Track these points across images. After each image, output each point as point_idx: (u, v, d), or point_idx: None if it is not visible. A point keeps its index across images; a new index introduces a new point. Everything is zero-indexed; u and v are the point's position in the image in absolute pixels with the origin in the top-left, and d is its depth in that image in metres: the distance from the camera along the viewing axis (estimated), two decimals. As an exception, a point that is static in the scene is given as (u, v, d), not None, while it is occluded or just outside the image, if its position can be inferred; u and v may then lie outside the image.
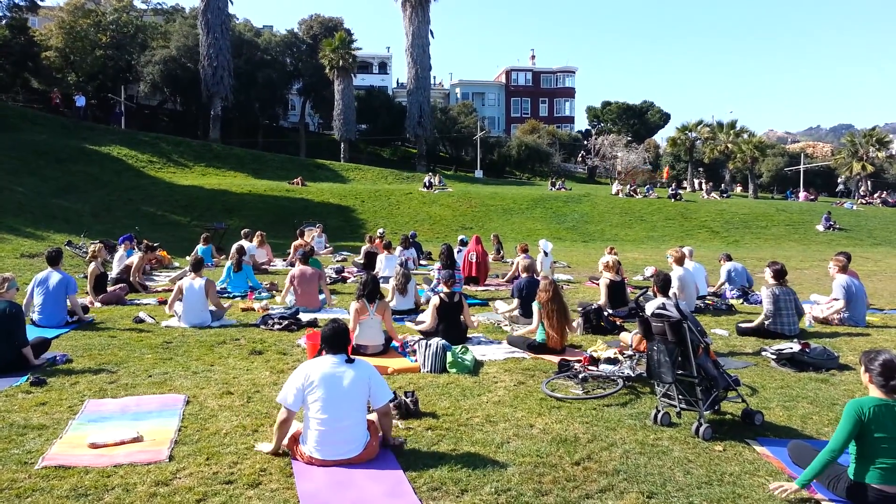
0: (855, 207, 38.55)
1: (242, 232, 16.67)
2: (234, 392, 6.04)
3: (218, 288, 11.15)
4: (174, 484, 4.11)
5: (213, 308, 9.37)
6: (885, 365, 3.99)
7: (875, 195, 44.47)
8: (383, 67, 72.75)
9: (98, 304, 10.62)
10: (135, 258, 12.58)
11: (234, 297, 11.60)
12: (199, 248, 15.69)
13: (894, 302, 11.95)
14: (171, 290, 9.81)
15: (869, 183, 48.42)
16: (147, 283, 12.93)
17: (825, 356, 7.13)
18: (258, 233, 16.66)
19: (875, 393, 4.01)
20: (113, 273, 12.62)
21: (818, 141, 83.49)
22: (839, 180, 48.51)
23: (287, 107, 58.21)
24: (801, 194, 45.33)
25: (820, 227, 31.59)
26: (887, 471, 3.87)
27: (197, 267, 9.57)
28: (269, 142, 49.59)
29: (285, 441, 4.58)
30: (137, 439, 4.80)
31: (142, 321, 9.38)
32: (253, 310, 10.35)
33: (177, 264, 16.36)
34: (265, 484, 4.13)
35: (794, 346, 7.18)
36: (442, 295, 8.37)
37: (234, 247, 13.40)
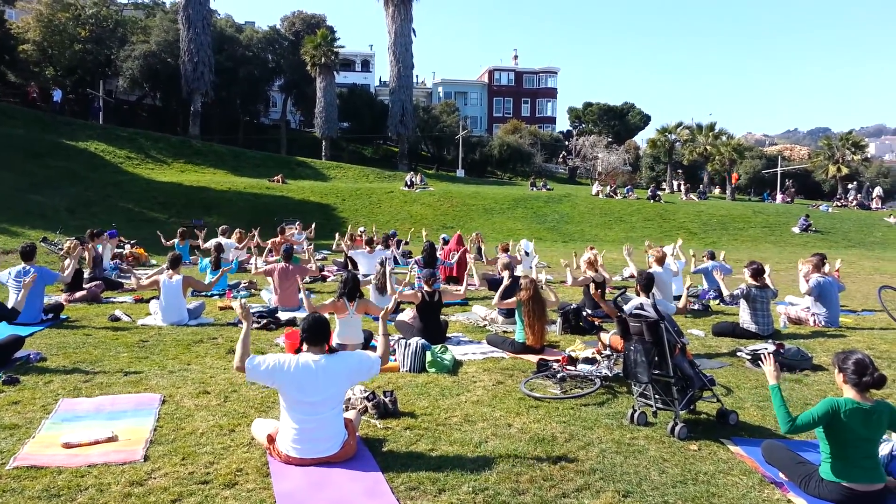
0: (830, 210, 39.12)
1: (220, 229, 16.54)
2: (210, 391, 5.99)
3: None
4: (149, 484, 4.07)
5: (191, 306, 9.29)
6: (857, 364, 4.07)
7: (850, 198, 45.14)
8: (366, 65, 72.53)
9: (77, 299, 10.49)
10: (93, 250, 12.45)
11: (212, 295, 11.50)
12: (176, 244, 15.55)
13: (867, 303, 12.14)
14: (147, 286, 9.71)
15: (862, 186, 49.08)
16: (123, 281, 12.78)
17: (799, 357, 7.24)
18: (237, 230, 16.53)
19: (849, 393, 4.09)
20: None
21: (795, 144, 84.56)
22: (850, 185, 49.16)
23: (268, 104, 57.83)
24: (778, 196, 45.91)
25: (796, 230, 32.01)
26: (860, 470, 3.95)
27: (174, 264, 9.48)
28: (250, 139, 49.27)
29: (255, 434, 4.59)
30: (112, 439, 4.75)
31: (117, 319, 9.28)
32: (231, 308, 10.27)
33: (154, 262, 16.19)
34: (241, 484, 4.11)
35: (769, 347, 7.27)
36: (423, 293, 8.36)
37: (213, 244, 13.29)
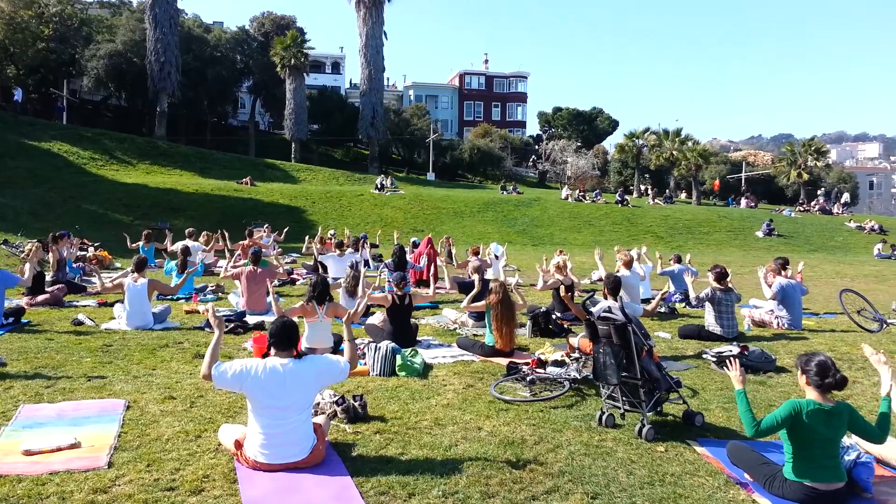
0: (793, 214, 39.99)
1: (187, 231, 16.31)
2: (176, 397, 5.90)
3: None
4: (113, 491, 3.99)
5: (156, 310, 9.14)
6: (819, 365, 4.16)
7: (812, 203, 46.21)
8: (336, 67, 72.24)
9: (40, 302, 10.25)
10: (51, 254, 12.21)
11: (178, 299, 11.33)
12: (141, 247, 15.30)
13: (829, 306, 12.43)
14: (112, 288, 9.53)
15: (830, 192, 50.20)
16: (86, 284, 12.53)
17: (763, 359, 7.38)
18: (204, 233, 16.32)
19: (811, 394, 4.17)
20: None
21: (759, 149, 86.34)
22: (819, 192, 50.28)
23: (237, 105, 57.33)
24: (743, 201, 46.80)
25: (760, 234, 32.66)
26: (822, 470, 4.03)
27: (140, 267, 9.32)
28: (218, 140, 48.73)
29: (222, 440, 4.53)
30: (75, 446, 4.64)
31: (81, 323, 9.09)
32: (197, 312, 10.13)
33: (118, 265, 15.91)
34: (208, 490, 4.05)
35: (734, 349, 7.41)
36: (393, 296, 8.34)
37: (179, 246, 13.10)
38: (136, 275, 9.17)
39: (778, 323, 9.93)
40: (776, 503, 4.03)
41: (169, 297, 11.23)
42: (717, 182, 51.30)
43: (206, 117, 51.42)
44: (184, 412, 5.49)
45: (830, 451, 4.08)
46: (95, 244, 17.81)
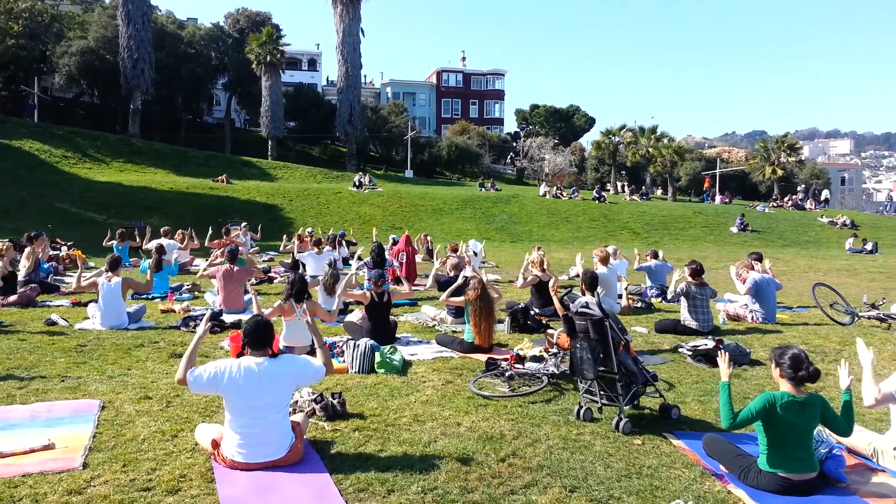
0: (767, 210, 40.55)
1: (162, 230, 16.12)
2: (152, 397, 5.83)
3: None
4: (88, 492, 3.94)
5: (130, 309, 9.02)
6: (793, 358, 4.23)
7: (786, 198, 46.89)
8: (313, 64, 71.78)
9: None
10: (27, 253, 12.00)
11: (153, 298, 11.20)
12: (115, 246, 15.11)
13: (802, 300, 12.62)
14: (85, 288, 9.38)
15: (808, 189, 50.96)
16: (60, 284, 12.33)
17: (738, 352, 7.48)
18: (179, 231, 16.15)
19: (785, 387, 4.24)
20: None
21: (733, 146, 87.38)
22: (799, 188, 51.01)
23: (212, 102, 56.73)
24: (717, 197, 47.33)
25: (734, 229, 33.08)
26: (796, 461, 4.10)
27: (114, 266, 9.19)
28: (193, 138, 48.19)
29: (199, 439, 4.52)
30: (49, 447, 4.57)
31: (54, 323, 8.95)
32: (173, 311, 10.03)
33: (92, 264, 15.67)
34: (185, 490, 4.01)
35: (709, 343, 7.50)
36: (372, 294, 8.32)
37: (154, 245, 12.94)
38: (109, 274, 9.04)
39: (752, 317, 10.06)
40: (751, 494, 4.09)
41: (144, 296, 11.10)
42: (707, 179, 51.79)
43: (181, 115, 50.84)
44: (160, 412, 5.44)
45: (804, 443, 4.15)
46: (68, 243, 17.53)
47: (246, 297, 10.52)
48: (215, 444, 4.41)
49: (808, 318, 10.67)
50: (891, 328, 9.59)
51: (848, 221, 35.91)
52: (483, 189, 40.18)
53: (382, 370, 6.85)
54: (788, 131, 59.01)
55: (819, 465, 4.22)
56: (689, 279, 9.25)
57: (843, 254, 28.30)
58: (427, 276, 15.06)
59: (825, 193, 50.33)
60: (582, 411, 5.44)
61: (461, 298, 8.16)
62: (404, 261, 14.20)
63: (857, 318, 10.06)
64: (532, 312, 9.67)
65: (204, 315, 9.00)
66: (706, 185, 51.43)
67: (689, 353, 7.54)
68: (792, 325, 9.96)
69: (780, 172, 50.39)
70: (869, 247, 28.88)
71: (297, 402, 5.34)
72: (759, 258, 10.94)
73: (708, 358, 7.34)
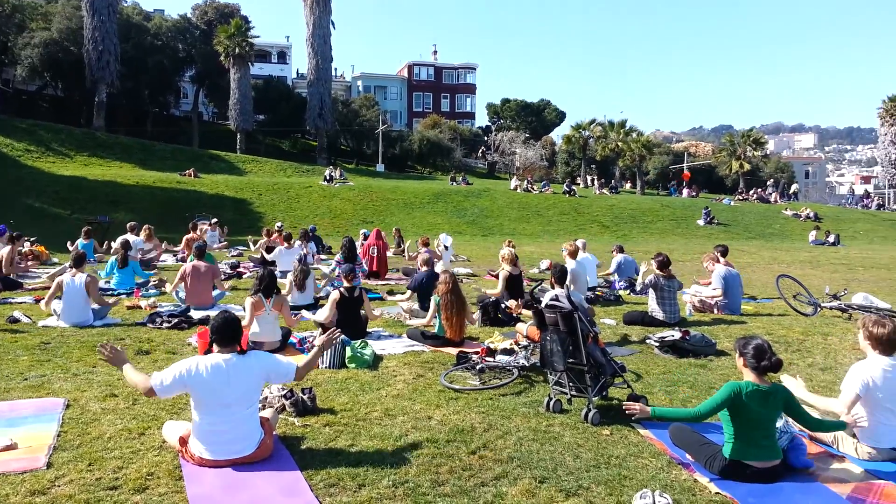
0: (732, 203, 41.25)
1: (128, 225, 15.84)
2: (118, 394, 5.74)
3: (101, 285, 10.57)
4: (52, 492, 3.87)
5: (95, 306, 8.86)
6: (756, 349, 4.32)
7: (751, 192, 47.75)
8: (282, 57, 71.10)
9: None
10: (4, 251, 11.71)
11: (119, 294, 11.02)
12: (80, 242, 14.82)
13: (766, 291, 12.87)
14: (49, 288, 9.19)
15: (778, 183, 51.91)
16: (23, 280, 12.07)
17: (704, 343, 7.61)
18: (146, 226, 15.88)
19: (749, 376, 4.33)
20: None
21: (701, 140, 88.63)
22: (769, 182, 51.92)
23: (179, 94, 55.92)
24: (685, 191, 48.02)
25: (701, 222, 33.61)
26: (759, 449, 4.19)
27: (78, 262, 9.01)
28: (159, 131, 47.46)
29: (167, 437, 4.48)
30: (11, 447, 4.48)
31: (17, 321, 8.74)
32: (139, 308, 9.87)
33: (55, 260, 15.36)
34: (153, 488, 3.96)
35: (676, 334, 7.61)
36: (342, 289, 8.29)
37: (119, 241, 12.72)
38: (74, 270, 8.87)
39: (718, 308, 10.23)
40: (716, 481, 4.17)
41: (109, 292, 10.92)
42: (686, 173, 52.43)
43: (147, 107, 50.03)
44: (126, 409, 5.36)
45: (767, 431, 4.24)
46: (31, 239, 17.14)
47: (214, 294, 10.41)
48: (183, 442, 4.36)
49: (772, 308, 10.88)
50: (852, 318, 9.82)
51: (811, 214, 36.70)
52: (454, 183, 40.22)
53: (353, 365, 6.84)
54: (754, 126, 60.36)
55: (782, 453, 4.31)
56: (657, 271, 9.37)
57: (806, 246, 28.94)
58: (398, 271, 15.13)
59: (795, 187, 51.46)
60: (551, 403, 5.49)
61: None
62: (375, 255, 14.16)
63: (819, 309, 10.29)
64: (503, 305, 9.71)
65: (172, 311, 8.93)
66: (685, 178, 52.09)
67: (657, 344, 7.64)
68: (756, 316, 10.15)
69: (746, 166, 51.33)
70: (831, 239, 29.58)
71: (266, 397, 5.30)
72: (725, 251, 11.13)
73: (674, 349, 7.46)
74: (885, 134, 61.17)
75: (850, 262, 20.75)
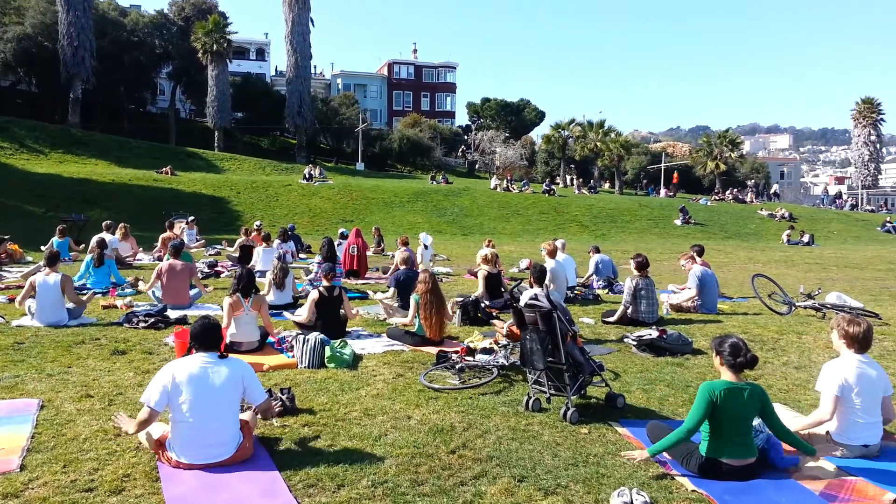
0: (709, 203, 41.70)
1: (104, 224, 15.63)
2: (94, 395, 5.67)
3: (77, 284, 10.43)
4: (26, 495, 3.81)
5: (70, 305, 8.73)
6: (733, 346, 4.37)
7: (727, 192, 48.33)
8: (261, 54, 70.57)
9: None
10: None
11: (95, 293, 10.87)
12: (55, 240, 14.61)
13: (742, 291, 13.04)
14: (23, 287, 9.04)
15: (758, 184, 52.65)
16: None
17: (681, 342, 7.69)
18: (121, 225, 15.69)
19: (725, 375, 4.37)
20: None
21: (678, 141, 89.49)
22: (749, 182, 52.62)
23: (156, 91, 55.29)
24: (662, 191, 48.47)
25: (678, 222, 33.94)
26: (735, 446, 4.23)
27: (52, 261, 8.87)
28: (136, 128, 46.88)
29: (143, 439, 4.40)
30: (-18, 449, 4.41)
31: (-11, 321, 8.59)
32: (115, 307, 9.75)
33: (29, 258, 15.11)
34: (129, 490, 3.92)
35: (653, 333, 7.69)
36: (321, 289, 8.26)
37: (95, 239, 12.53)
38: (47, 269, 8.73)
39: (694, 307, 10.34)
40: (693, 479, 4.21)
41: (85, 290, 10.77)
42: (675, 175, 52.83)
43: (123, 104, 49.42)
44: (102, 410, 5.29)
45: (743, 429, 4.29)
46: (5, 237, 16.86)
47: (192, 293, 10.31)
48: (160, 444, 4.31)
49: (748, 307, 11.02)
50: (825, 317, 9.98)
51: (787, 214, 37.22)
52: (434, 182, 40.22)
53: (332, 364, 6.81)
54: (730, 126, 60.95)
55: (758, 452, 4.36)
56: (635, 272, 9.45)
57: (781, 246, 29.35)
58: (378, 270, 15.10)
59: (775, 187, 52.28)
60: (531, 402, 5.52)
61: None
62: (355, 254, 14.12)
63: (793, 308, 10.44)
64: (482, 305, 9.74)
65: (148, 311, 8.82)
66: (675, 180, 52.51)
67: (634, 343, 7.71)
68: (732, 315, 10.28)
69: (722, 167, 51.95)
70: (806, 239, 30.03)
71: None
72: (701, 251, 11.25)
73: (652, 348, 7.53)
74: (859, 135, 62.41)
75: (824, 262, 21.09)
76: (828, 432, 4.71)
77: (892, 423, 4.92)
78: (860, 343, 4.74)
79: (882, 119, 63.29)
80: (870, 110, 62.14)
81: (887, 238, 34.77)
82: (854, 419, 4.62)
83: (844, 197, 61.72)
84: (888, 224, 37.55)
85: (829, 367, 4.76)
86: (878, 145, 64.73)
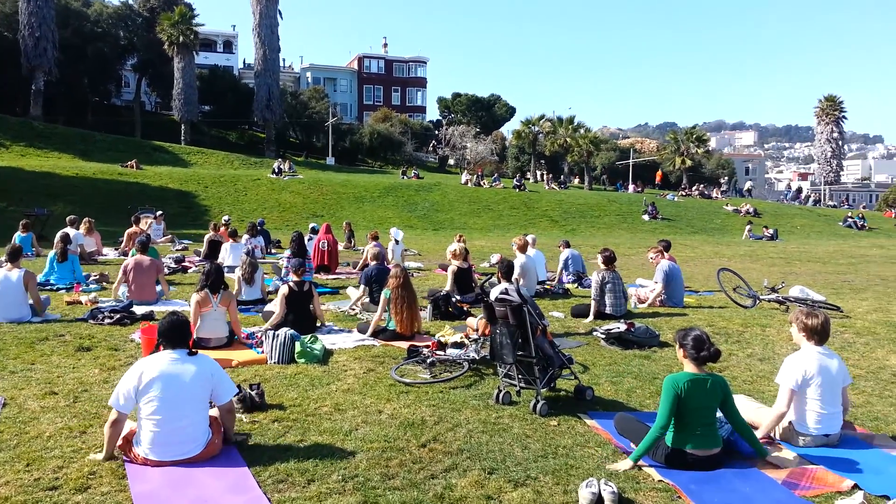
0: (676, 199, 42.28)
1: (68, 219, 15.31)
2: (58, 392, 5.57)
3: (40, 280, 10.20)
4: (-13, 495, 3.74)
5: (32, 302, 8.55)
6: (696, 339, 4.44)
7: (693, 188, 49.06)
8: (228, 46, 69.59)
9: None
10: None
11: (59, 289, 10.65)
12: (18, 236, 14.29)
13: (708, 284, 13.25)
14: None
15: (731, 181, 53.56)
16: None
17: (648, 335, 7.80)
18: (86, 219, 15.38)
19: (689, 367, 4.45)
20: None
21: (646, 137, 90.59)
22: (723, 179, 53.52)
23: (120, 83, 54.27)
24: (630, 186, 49.02)
25: (646, 217, 34.37)
26: (699, 437, 4.31)
27: (14, 257, 8.67)
28: (100, 120, 45.91)
29: (118, 443, 4.32)
30: (-59, 449, 4.31)
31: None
32: (80, 303, 9.56)
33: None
34: (95, 487, 3.87)
35: (621, 326, 7.79)
36: (291, 284, 8.20)
37: (59, 234, 12.27)
38: (9, 265, 8.54)
39: (662, 301, 10.49)
40: (659, 469, 4.29)
41: (49, 287, 10.56)
42: (659, 173, 53.26)
43: (87, 96, 48.38)
44: (66, 408, 5.21)
45: (706, 419, 4.37)
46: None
47: (159, 289, 10.16)
48: (126, 441, 4.26)
49: (713, 301, 11.21)
50: (789, 310, 10.20)
51: (751, 210, 37.91)
52: (405, 177, 40.12)
53: (303, 360, 6.78)
54: (697, 123, 61.75)
55: (723, 442, 4.45)
56: (602, 266, 9.54)
57: (746, 240, 29.89)
58: (349, 265, 15.04)
59: (749, 184, 53.31)
60: (501, 395, 5.56)
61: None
62: (326, 249, 14.04)
63: (758, 301, 10.65)
64: (453, 300, 9.77)
65: (114, 307, 8.68)
66: (659, 178, 52.98)
67: (603, 336, 7.80)
68: (698, 309, 10.44)
69: (689, 162, 52.67)
70: (769, 233, 30.63)
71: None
72: (668, 246, 11.41)
73: (620, 341, 7.63)
74: (822, 132, 63.80)
75: (788, 256, 21.53)
76: (790, 422, 4.83)
77: (850, 411, 5.06)
78: (819, 335, 4.87)
79: (844, 116, 64.84)
80: (832, 108, 63.57)
81: (849, 233, 35.63)
82: (814, 409, 4.74)
83: (806, 192, 63.08)
84: (850, 219, 38.48)
85: (789, 360, 4.87)
86: (840, 142, 66.29)
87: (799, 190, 65.48)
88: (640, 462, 4.36)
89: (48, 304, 8.98)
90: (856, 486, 4.06)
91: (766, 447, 4.56)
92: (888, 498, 3.84)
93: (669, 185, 55.74)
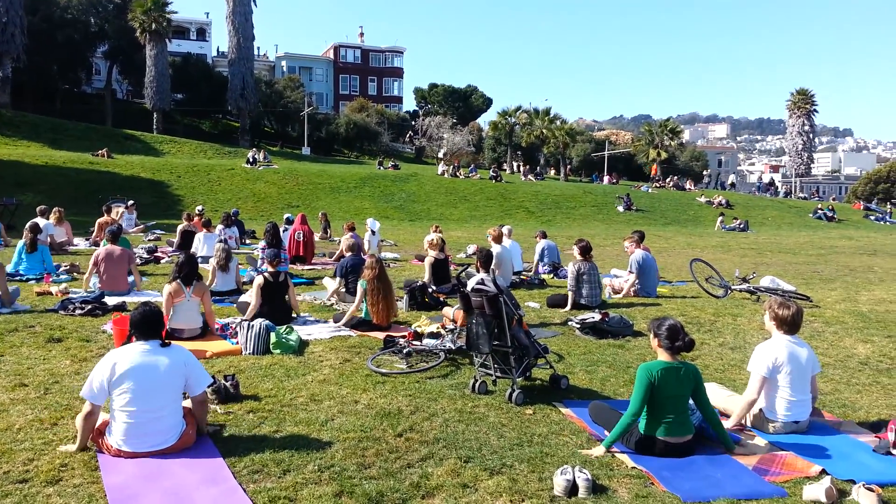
0: (650, 190, 42.68)
1: (38, 209, 15.02)
2: (28, 384, 5.48)
3: (9, 270, 10.00)
4: (-46, 489, 3.67)
5: (0, 293, 8.38)
6: (669, 329, 4.50)
7: (668, 179, 49.55)
8: (202, 34, 68.54)
9: None
10: None
11: (29, 280, 10.46)
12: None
13: (681, 275, 13.42)
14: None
15: (713, 174, 54.14)
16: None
17: (622, 324, 7.89)
18: (56, 209, 15.09)
19: (662, 356, 4.51)
20: None
21: (621, 129, 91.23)
22: (705, 172, 54.04)
23: (91, 71, 53.19)
24: (605, 178, 49.37)
25: (620, 209, 34.66)
26: (672, 425, 4.38)
27: (-19, 247, 8.50)
28: (70, 109, 45.07)
29: (78, 427, 4.27)
30: None
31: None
32: (50, 294, 9.40)
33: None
34: (66, 480, 3.82)
35: (596, 316, 7.86)
36: (266, 275, 8.13)
37: (28, 224, 12.03)
38: (-24, 255, 8.36)
39: (635, 291, 10.60)
40: (633, 456, 4.35)
41: (18, 277, 10.36)
42: (654, 167, 53.50)
43: (57, 84, 47.42)
44: (37, 399, 5.13)
45: (679, 407, 4.44)
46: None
47: (130, 279, 10.02)
48: (99, 433, 4.21)
49: (686, 291, 11.36)
50: (760, 300, 10.38)
51: (724, 201, 38.40)
52: (382, 167, 39.96)
53: (278, 350, 6.74)
54: (671, 116, 62.26)
55: (695, 429, 4.52)
56: (578, 257, 9.61)
57: (718, 231, 30.30)
58: (325, 255, 14.96)
59: (732, 178, 54.01)
60: (477, 384, 5.59)
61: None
62: (301, 239, 13.95)
63: (729, 291, 10.82)
64: (429, 290, 9.78)
65: (85, 297, 8.54)
66: (654, 172, 53.27)
67: (578, 326, 7.87)
68: (671, 298, 10.58)
69: (663, 155, 53.17)
70: (741, 224, 31.08)
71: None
72: (642, 237, 11.53)
73: (595, 330, 7.70)
74: (793, 125, 64.62)
75: (759, 247, 21.87)
76: (760, 409, 4.92)
77: (819, 399, 5.17)
78: (790, 325, 4.96)
79: (815, 110, 65.69)
80: (804, 101, 64.35)
81: (818, 224, 36.28)
82: (784, 396, 4.84)
83: (777, 185, 64.05)
84: (819, 211, 39.17)
85: (760, 348, 4.96)
86: (811, 135, 67.21)
87: (771, 182, 66.48)
88: (613, 448, 4.42)
89: (17, 294, 8.81)
90: (823, 472, 4.15)
91: (734, 436, 4.63)
92: (854, 482, 3.93)
93: (628, 174, 56.22)
